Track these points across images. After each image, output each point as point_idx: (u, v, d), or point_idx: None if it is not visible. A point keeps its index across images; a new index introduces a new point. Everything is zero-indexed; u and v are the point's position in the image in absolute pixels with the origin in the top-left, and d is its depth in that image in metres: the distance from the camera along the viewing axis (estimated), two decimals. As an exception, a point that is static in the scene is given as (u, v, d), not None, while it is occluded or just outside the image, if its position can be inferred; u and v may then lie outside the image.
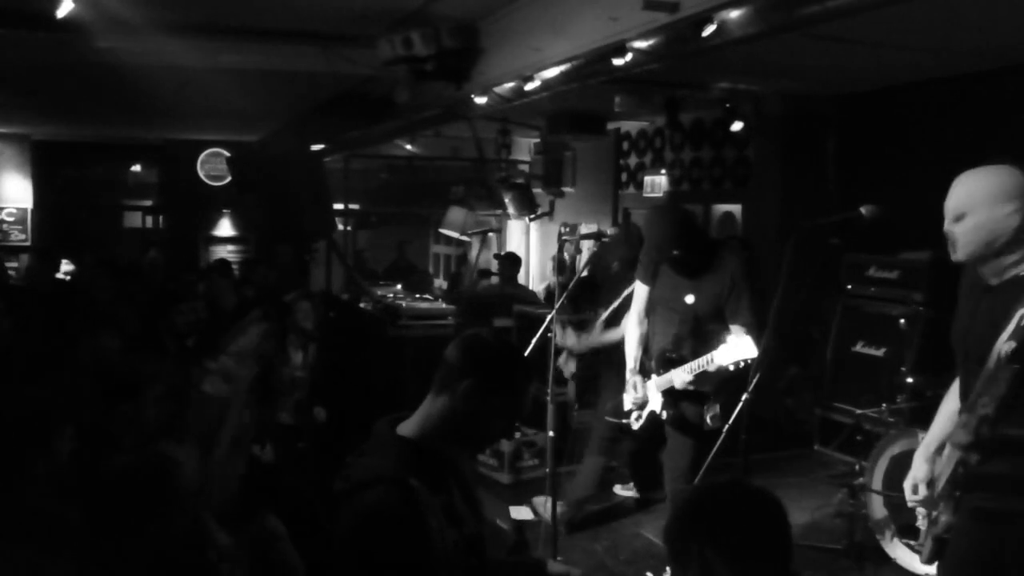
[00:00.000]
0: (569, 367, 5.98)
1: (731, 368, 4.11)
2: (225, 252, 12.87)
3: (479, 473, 6.25)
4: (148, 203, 14.07)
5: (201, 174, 13.04)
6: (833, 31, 4.98)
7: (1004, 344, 2.51)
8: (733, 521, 1.94)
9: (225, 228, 13.54)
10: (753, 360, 4.04)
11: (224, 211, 13.36)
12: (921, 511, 2.88)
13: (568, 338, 5.94)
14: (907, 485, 2.92)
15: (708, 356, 4.20)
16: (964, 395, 2.78)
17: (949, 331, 2.88)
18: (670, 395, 4.49)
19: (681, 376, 4.35)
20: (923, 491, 2.84)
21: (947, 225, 2.68)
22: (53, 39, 5.71)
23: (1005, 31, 5.22)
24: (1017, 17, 4.85)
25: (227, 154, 12.34)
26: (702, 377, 4.28)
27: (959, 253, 2.69)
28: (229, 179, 12.00)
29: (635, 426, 4.67)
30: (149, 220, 13.96)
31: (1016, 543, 2.62)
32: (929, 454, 2.88)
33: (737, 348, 4.07)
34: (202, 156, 13.00)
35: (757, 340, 4.09)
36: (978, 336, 2.67)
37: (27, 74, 7.24)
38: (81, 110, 9.80)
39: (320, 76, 6.50)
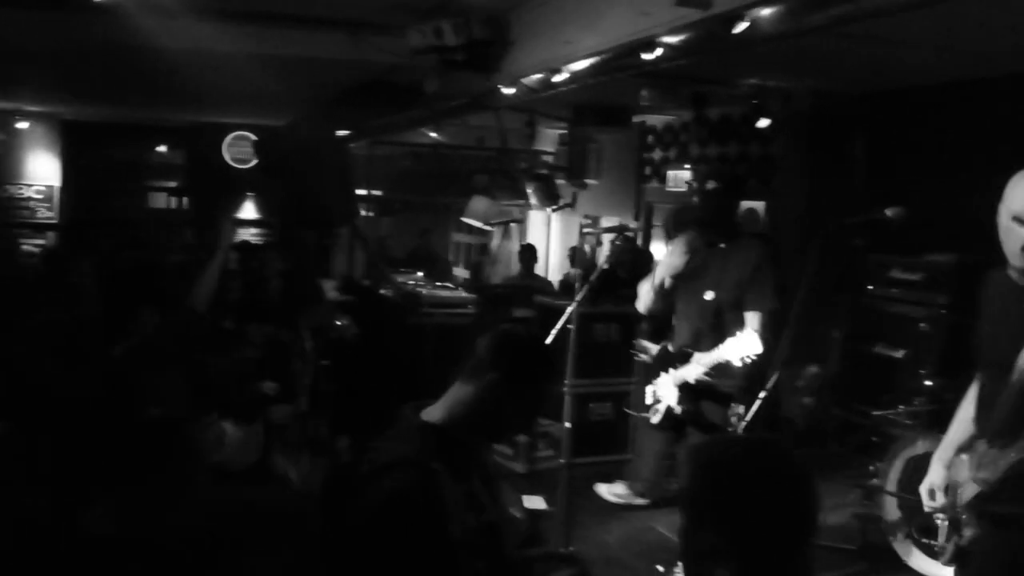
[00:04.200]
0: None
1: (738, 364, 4.11)
2: (248, 235, 12.93)
3: (494, 462, 6.28)
4: (173, 184, 14.16)
5: (227, 157, 13.11)
6: (866, 30, 4.94)
7: None
8: (757, 480, 1.74)
9: (249, 211, 13.61)
10: (758, 356, 4.05)
11: (248, 194, 13.42)
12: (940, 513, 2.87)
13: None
14: (923, 489, 2.92)
15: (717, 350, 4.20)
16: (984, 404, 2.76)
17: (971, 335, 2.87)
18: (688, 391, 4.49)
19: (694, 370, 4.35)
20: (940, 498, 2.84)
21: (1015, 225, 2.56)
22: (84, 20, 5.76)
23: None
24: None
25: (253, 137, 12.40)
26: (719, 370, 4.27)
27: None
28: (254, 162, 12.04)
29: (654, 420, 4.68)
30: (174, 201, 14.04)
31: None
32: (947, 458, 2.87)
33: (742, 344, 4.07)
34: (228, 139, 13.05)
35: (775, 329, 4.08)
36: (1007, 341, 2.64)
37: (57, 54, 7.29)
38: (109, 91, 9.85)
39: (349, 63, 6.51)
